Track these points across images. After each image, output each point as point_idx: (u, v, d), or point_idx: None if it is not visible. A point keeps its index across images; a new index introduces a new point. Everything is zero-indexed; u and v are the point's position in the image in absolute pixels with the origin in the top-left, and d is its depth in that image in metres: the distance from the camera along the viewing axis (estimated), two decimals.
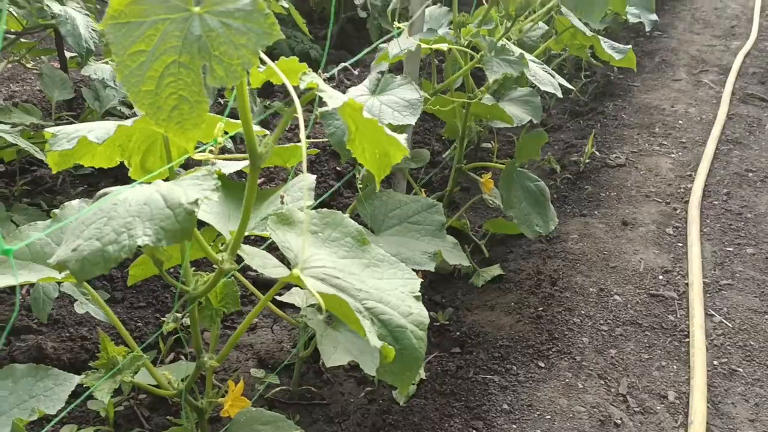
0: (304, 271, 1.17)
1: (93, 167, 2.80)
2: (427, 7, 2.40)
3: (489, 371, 2.17)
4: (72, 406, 1.39)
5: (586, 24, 2.71)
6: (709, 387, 2.13)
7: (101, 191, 1.12)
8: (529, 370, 2.18)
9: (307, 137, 1.08)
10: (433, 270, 1.85)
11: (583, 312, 2.45)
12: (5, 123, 2.27)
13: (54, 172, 1.32)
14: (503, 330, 2.35)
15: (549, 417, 2.00)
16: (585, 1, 2.46)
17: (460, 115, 2.56)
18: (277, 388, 2.00)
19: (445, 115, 2.60)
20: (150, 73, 0.94)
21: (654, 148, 3.74)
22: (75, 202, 1.37)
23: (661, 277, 2.67)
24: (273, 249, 1.51)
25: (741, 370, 2.21)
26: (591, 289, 2.58)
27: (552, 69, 2.72)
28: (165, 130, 0.97)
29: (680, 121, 4.06)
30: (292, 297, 2.01)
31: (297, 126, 3.41)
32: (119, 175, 2.70)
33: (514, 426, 1.96)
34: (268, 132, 1.20)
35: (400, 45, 2.02)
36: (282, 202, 1.42)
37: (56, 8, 2.19)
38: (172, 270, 2.11)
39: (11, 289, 2.26)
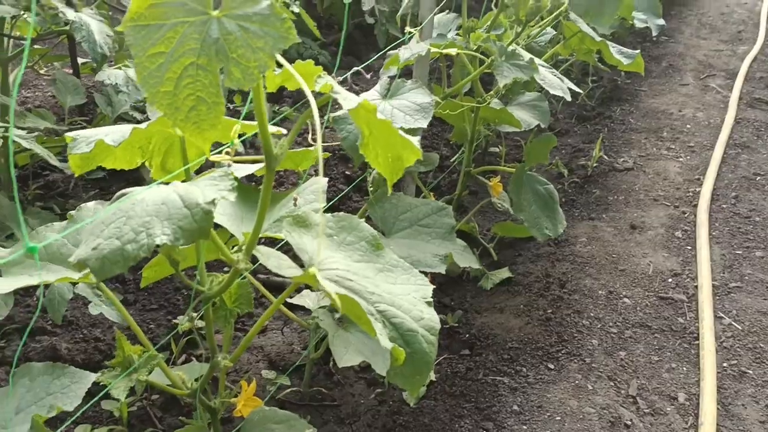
0: (320, 273, 1.18)
1: (104, 173, 2.85)
2: (435, 14, 2.43)
3: (499, 373, 2.18)
4: (87, 406, 1.41)
5: (593, 29, 2.72)
6: (719, 389, 2.13)
7: (120, 192, 1.14)
8: (538, 372, 2.18)
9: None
10: (443, 272, 1.87)
11: (592, 314, 2.46)
12: (20, 128, 2.30)
13: (76, 174, 1.35)
14: (512, 332, 2.36)
15: (559, 418, 2.00)
16: (595, 7, 2.48)
17: (469, 119, 2.58)
18: (288, 390, 2.02)
19: (454, 120, 2.62)
20: (168, 74, 0.96)
21: (662, 152, 3.75)
22: (91, 204, 1.39)
23: (670, 279, 2.67)
24: (284, 252, 1.52)
25: (751, 372, 2.21)
26: (600, 292, 2.59)
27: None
28: (182, 130, 0.99)
29: (688, 126, 4.07)
30: (302, 299, 2.02)
31: (306, 132, 3.43)
32: (130, 179, 2.73)
33: (524, 427, 1.97)
34: (284, 131, 1.22)
35: (412, 50, 2.04)
36: (295, 205, 1.44)
37: (71, 15, 2.22)
38: (184, 272, 2.13)
39: (24, 291, 2.29)
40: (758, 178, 3.48)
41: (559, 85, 2.24)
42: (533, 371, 2.19)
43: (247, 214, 1.53)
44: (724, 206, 3.22)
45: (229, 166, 1.21)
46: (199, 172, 1.29)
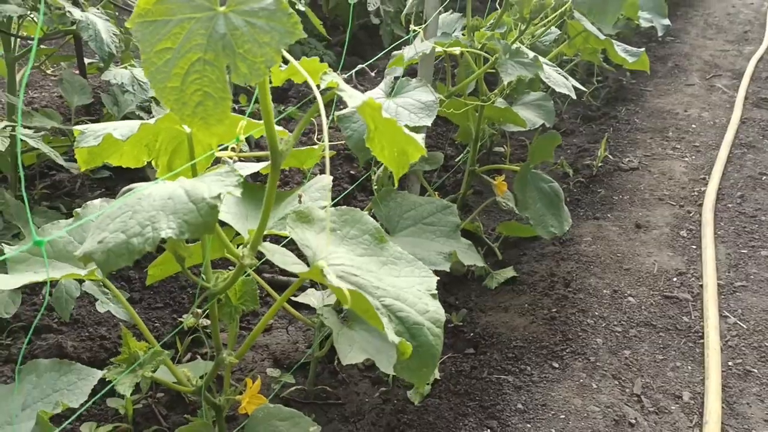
0: (324, 268, 1.19)
1: (110, 172, 2.86)
2: (440, 14, 2.43)
3: (503, 371, 2.17)
4: (92, 401, 1.42)
5: (598, 29, 2.72)
6: (724, 387, 2.12)
7: (126, 187, 1.15)
8: (543, 371, 2.18)
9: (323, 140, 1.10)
10: (447, 270, 1.87)
11: (596, 313, 2.46)
12: (27, 127, 2.31)
13: (82, 169, 1.35)
14: (517, 331, 2.36)
15: (563, 417, 2.00)
16: (598, 5, 2.48)
17: (474, 118, 2.58)
18: (293, 388, 2.02)
19: (458, 119, 2.62)
20: (176, 70, 0.97)
21: (667, 151, 3.75)
22: (96, 201, 1.40)
23: (675, 279, 2.67)
24: (289, 249, 1.53)
25: (756, 370, 2.21)
26: (605, 291, 2.58)
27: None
28: (189, 125, 1.00)
29: (693, 126, 4.06)
30: (307, 298, 2.03)
31: (310, 132, 3.45)
32: (136, 179, 2.72)
33: (529, 425, 1.97)
34: (288, 134, 1.23)
35: (416, 48, 2.04)
36: (300, 202, 1.44)
37: (78, 14, 2.23)
38: (190, 270, 2.14)
39: (31, 289, 2.30)
40: (764, 177, 3.47)
41: (564, 84, 2.24)
42: (538, 370, 2.19)
43: (252, 212, 1.54)
44: (730, 205, 3.21)
45: (235, 161, 1.22)
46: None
